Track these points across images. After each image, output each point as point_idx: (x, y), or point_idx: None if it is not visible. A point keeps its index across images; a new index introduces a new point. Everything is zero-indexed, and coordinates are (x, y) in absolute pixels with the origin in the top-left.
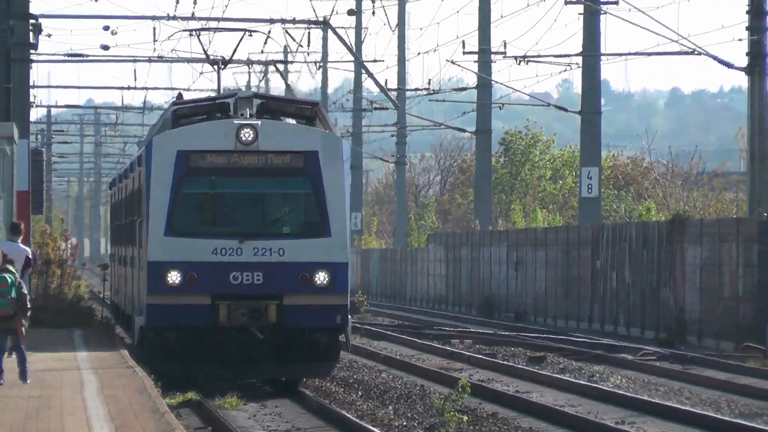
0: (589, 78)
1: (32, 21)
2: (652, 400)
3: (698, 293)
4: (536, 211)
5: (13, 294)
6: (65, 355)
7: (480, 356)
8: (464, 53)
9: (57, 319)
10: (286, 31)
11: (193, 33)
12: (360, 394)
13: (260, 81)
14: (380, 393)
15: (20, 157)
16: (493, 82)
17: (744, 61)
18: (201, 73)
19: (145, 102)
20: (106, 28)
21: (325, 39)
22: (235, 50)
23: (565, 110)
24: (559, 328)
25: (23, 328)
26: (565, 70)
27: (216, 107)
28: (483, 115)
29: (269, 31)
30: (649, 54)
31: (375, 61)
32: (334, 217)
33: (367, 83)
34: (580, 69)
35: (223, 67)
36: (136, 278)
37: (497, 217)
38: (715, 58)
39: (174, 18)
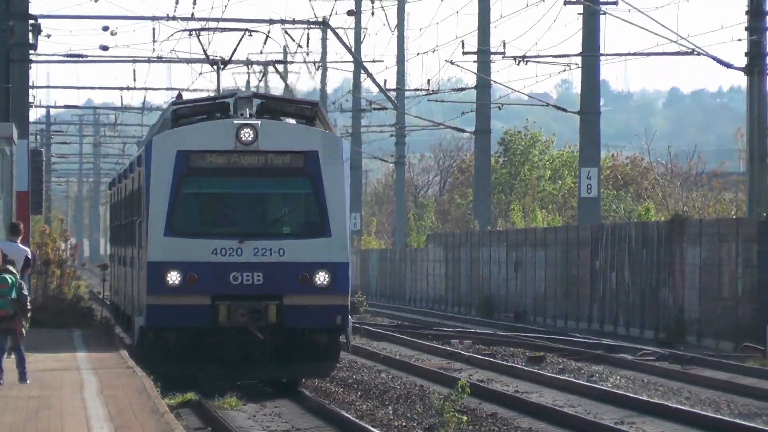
0: (589, 78)
1: (31, 21)
2: (652, 400)
3: (697, 293)
4: (535, 212)
5: (14, 295)
6: (65, 355)
7: (479, 356)
8: (463, 53)
9: (56, 319)
10: (286, 32)
11: (193, 33)
12: (359, 394)
13: (259, 81)
14: (380, 393)
15: (20, 158)
16: (492, 83)
17: (743, 61)
18: (200, 73)
19: (144, 102)
20: (106, 28)
21: (324, 39)
22: (234, 50)
23: (565, 110)
24: (558, 328)
25: (23, 329)
26: (565, 71)
27: (216, 107)
28: (482, 115)
29: (268, 32)
30: (649, 54)
31: (374, 61)
32: (335, 217)
33: (367, 83)
34: (580, 69)
35: (222, 67)
36: (135, 278)
37: (496, 217)
38: (714, 58)
39: (173, 18)
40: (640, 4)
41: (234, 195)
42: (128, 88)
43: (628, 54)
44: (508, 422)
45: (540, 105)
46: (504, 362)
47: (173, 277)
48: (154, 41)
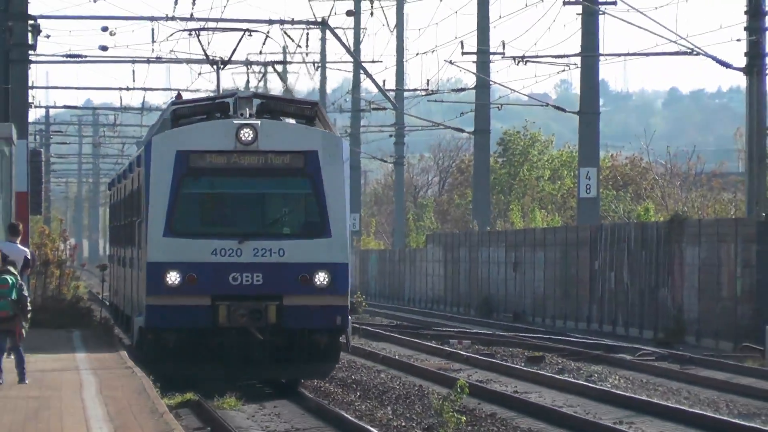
0: (588, 78)
1: (31, 22)
2: (651, 400)
3: (697, 293)
4: (535, 212)
5: (14, 296)
6: (64, 355)
7: (478, 356)
8: (463, 54)
9: (56, 319)
10: (285, 32)
11: (192, 33)
12: (359, 394)
13: (259, 81)
14: (379, 393)
15: (19, 158)
16: (491, 83)
17: (742, 62)
18: (200, 73)
19: (143, 102)
20: (105, 28)
21: (323, 40)
22: (234, 50)
23: (564, 110)
24: (557, 328)
25: (23, 330)
26: (564, 71)
27: (215, 107)
28: (481, 115)
29: (268, 32)
30: (648, 54)
31: (373, 61)
32: (334, 217)
33: (366, 84)
34: (579, 69)
35: (222, 67)
36: (135, 279)
37: (496, 217)
38: (713, 58)
39: (173, 19)
40: (639, 4)
41: (234, 195)
42: (127, 89)
43: (627, 54)
44: (507, 422)
45: (539, 105)
46: (503, 362)
47: (173, 278)
48: (153, 41)
